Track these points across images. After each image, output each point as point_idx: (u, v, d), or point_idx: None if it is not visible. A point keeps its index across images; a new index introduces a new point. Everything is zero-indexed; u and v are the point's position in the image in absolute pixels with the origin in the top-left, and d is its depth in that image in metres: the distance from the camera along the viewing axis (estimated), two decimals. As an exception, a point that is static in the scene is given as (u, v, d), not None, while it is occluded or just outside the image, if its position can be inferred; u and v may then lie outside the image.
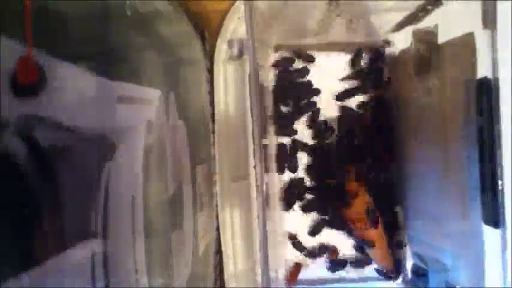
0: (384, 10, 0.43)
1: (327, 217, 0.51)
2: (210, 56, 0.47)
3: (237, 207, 0.48)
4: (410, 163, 0.47)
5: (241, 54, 0.47)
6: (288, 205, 0.51)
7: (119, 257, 0.28)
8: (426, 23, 0.41)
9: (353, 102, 0.51)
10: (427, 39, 0.41)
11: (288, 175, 0.51)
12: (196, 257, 0.40)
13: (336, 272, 0.51)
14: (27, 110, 0.22)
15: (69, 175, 0.24)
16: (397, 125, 0.50)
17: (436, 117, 0.40)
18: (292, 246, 0.51)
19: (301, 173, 0.51)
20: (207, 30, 0.47)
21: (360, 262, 0.51)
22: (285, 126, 0.51)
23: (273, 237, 0.46)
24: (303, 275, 0.50)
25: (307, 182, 0.51)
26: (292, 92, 0.51)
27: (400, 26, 0.46)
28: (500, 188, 0.31)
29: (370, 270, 0.51)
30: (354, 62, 0.51)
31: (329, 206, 0.50)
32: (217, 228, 0.47)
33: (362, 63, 0.51)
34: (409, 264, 0.49)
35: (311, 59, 0.51)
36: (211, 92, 0.47)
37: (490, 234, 0.32)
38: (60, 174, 0.23)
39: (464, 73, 0.35)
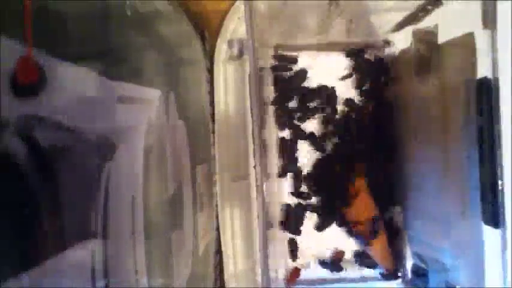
0: (384, 10, 0.43)
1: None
2: (210, 56, 0.47)
3: (237, 207, 0.48)
4: (410, 163, 0.47)
5: (241, 54, 0.47)
6: (295, 231, 0.50)
7: (118, 257, 0.28)
8: (426, 23, 0.41)
9: (353, 102, 0.51)
10: (427, 39, 0.41)
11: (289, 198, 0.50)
12: (196, 257, 0.40)
13: (336, 272, 0.51)
14: (27, 110, 0.22)
15: (69, 175, 0.24)
16: (397, 125, 0.50)
17: (436, 117, 0.40)
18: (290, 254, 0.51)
19: (303, 168, 0.51)
20: (207, 30, 0.47)
21: (364, 263, 0.50)
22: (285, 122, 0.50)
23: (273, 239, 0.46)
24: (303, 275, 0.50)
25: (306, 187, 0.51)
26: (292, 92, 0.51)
27: (400, 26, 0.46)
28: (500, 188, 0.31)
29: (370, 270, 0.51)
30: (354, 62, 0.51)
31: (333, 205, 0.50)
32: (217, 228, 0.47)
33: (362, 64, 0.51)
34: (409, 264, 0.49)
35: (294, 61, 0.50)
36: (211, 92, 0.47)
37: (490, 234, 0.32)
38: (60, 174, 0.23)
39: (464, 73, 0.35)
